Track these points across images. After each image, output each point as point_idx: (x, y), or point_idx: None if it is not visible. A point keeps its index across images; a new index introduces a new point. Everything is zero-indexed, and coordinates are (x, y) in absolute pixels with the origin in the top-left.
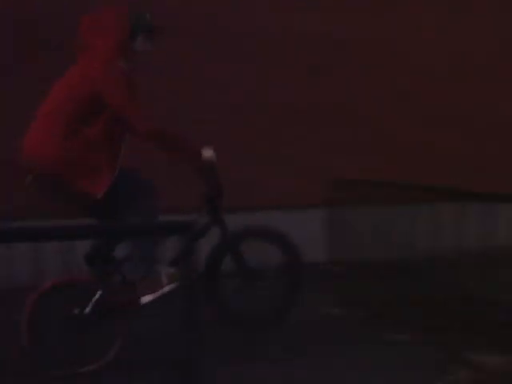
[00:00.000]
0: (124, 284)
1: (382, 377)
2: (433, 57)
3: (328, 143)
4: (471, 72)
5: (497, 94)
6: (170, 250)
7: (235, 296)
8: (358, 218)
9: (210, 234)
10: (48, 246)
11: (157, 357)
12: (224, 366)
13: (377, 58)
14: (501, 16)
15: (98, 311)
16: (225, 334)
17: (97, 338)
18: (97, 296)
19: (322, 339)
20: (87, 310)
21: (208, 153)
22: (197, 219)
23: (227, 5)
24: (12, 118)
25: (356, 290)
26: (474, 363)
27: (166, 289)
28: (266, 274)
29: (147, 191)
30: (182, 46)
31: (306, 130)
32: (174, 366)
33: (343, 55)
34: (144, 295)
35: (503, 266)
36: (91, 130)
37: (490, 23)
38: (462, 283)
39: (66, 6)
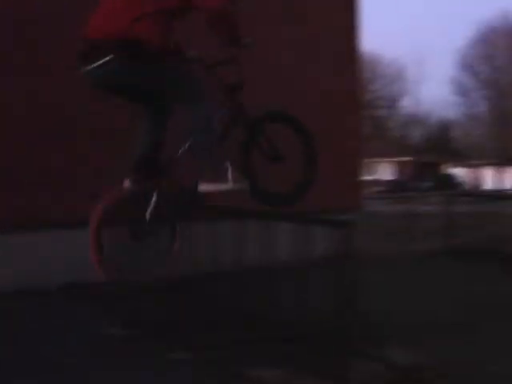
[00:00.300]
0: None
1: None
2: None
3: None
4: None
5: None
6: None
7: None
8: None
9: None
10: None
11: None
12: None
13: None
14: None
15: (155, 217)
16: None
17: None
18: (153, 202)
19: (101, 361)
20: (146, 216)
21: (248, 40)
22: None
23: None
24: None
25: (136, 310)
26: (254, 378)
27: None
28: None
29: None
30: None
31: None
32: None
33: None
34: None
35: (283, 281)
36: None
37: None
38: (243, 300)
39: None
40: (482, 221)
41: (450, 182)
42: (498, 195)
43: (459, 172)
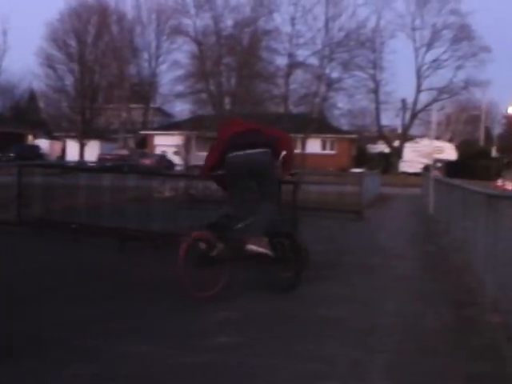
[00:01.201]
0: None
1: None
2: None
3: None
4: None
5: None
6: None
7: None
8: None
9: None
10: None
11: None
12: None
13: None
14: None
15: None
16: None
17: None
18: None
19: None
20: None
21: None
22: None
23: None
24: None
25: None
26: None
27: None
28: None
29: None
30: None
31: None
32: None
33: None
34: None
35: None
36: None
37: None
38: None
39: None
40: (57, 192)
41: (33, 153)
42: (78, 167)
43: (43, 143)
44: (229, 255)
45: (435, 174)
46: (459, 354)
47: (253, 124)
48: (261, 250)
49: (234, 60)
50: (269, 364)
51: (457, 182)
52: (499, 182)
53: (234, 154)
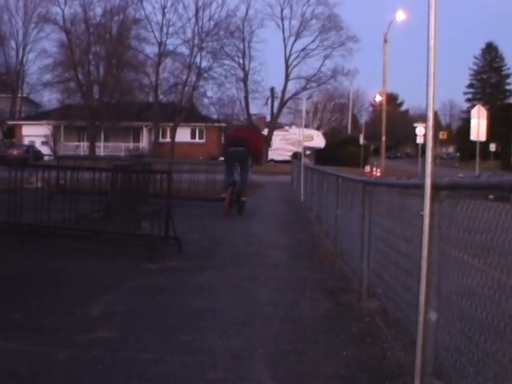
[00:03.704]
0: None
1: None
2: None
3: None
4: None
5: None
6: None
7: None
8: None
9: None
10: None
11: None
12: None
13: None
14: None
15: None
16: None
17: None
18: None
19: None
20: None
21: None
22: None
23: None
24: None
25: None
26: None
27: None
28: None
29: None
30: None
31: None
32: None
33: None
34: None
35: None
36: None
37: None
38: None
39: None
40: None
41: None
42: None
43: None
44: (236, 201)
45: (305, 161)
46: (339, 341)
47: (248, 131)
48: (244, 199)
49: (103, 49)
50: (144, 358)
51: (328, 169)
52: (367, 169)
53: (231, 149)
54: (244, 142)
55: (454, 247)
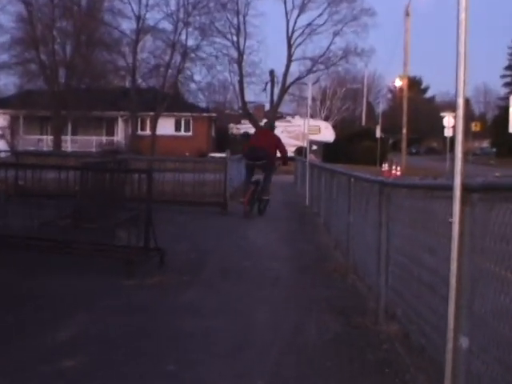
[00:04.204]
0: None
1: None
2: None
3: None
4: None
5: None
6: None
7: None
8: None
9: None
10: None
11: None
12: None
13: None
14: None
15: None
16: None
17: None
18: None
19: None
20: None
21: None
22: None
23: None
24: None
25: None
26: None
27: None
28: None
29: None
30: None
31: None
32: None
33: None
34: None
35: None
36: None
37: None
38: None
39: None
40: None
41: None
42: None
43: None
44: (258, 200)
45: (311, 158)
46: (352, 372)
47: (266, 137)
48: (266, 197)
49: (70, 23)
50: None
51: (339, 167)
52: (385, 167)
53: (250, 162)
54: (264, 152)
55: (490, 260)
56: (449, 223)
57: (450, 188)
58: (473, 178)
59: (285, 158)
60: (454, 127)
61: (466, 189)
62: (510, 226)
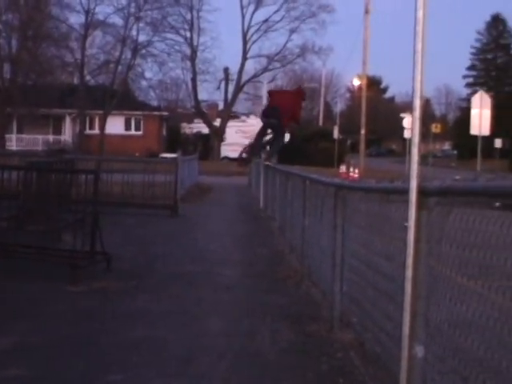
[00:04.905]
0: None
1: None
2: None
3: None
4: None
5: None
6: None
7: None
8: None
9: None
10: None
11: None
12: None
13: None
14: None
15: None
16: None
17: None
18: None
19: None
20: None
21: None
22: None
23: None
24: None
25: None
26: None
27: None
28: None
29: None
30: None
31: None
32: None
33: None
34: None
35: None
36: None
37: None
38: None
39: None
40: None
41: None
42: None
43: None
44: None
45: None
46: (305, 381)
47: (283, 96)
48: (269, 163)
49: (15, 17)
50: None
51: (294, 169)
52: (343, 169)
53: (264, 120)
54: (276, 111)
55: (446, 266)
56: (404, 228)
57: (405, 191)
58: (430, 181)
59: (296, 119)
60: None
61: (423, 192)
62: (468, 232)
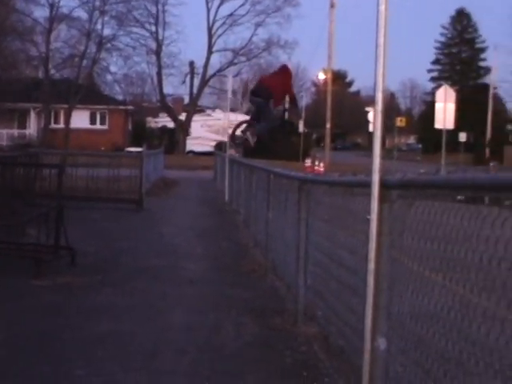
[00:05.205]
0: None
1: None
2: None
3: None
4: None
5: None
6: None
7: None
8: None
9: None
10: None
11: None
12: None
13: None
14: None
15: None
16: None
17: None
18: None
19: None
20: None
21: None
22: None
23: None
24: None
25: None
26: None
27: None
28: None
29: None
30: None
31: None
32: None
33: None
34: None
35: None
36: None
37: None
38: None
39: None
40: None
41: None
42: None
43: None
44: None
45: (231, 153)
46: (269, 375)
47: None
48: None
49: None
50: None
51: (259, 163)
52: (308, 163)
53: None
54: (266, 91)
55: (408, 259)
56: (367, 220)
57: (368, 185)
58: (393, 174)
59: (292, 102)
60: None
61: (385, 186)
62: (429, 224)
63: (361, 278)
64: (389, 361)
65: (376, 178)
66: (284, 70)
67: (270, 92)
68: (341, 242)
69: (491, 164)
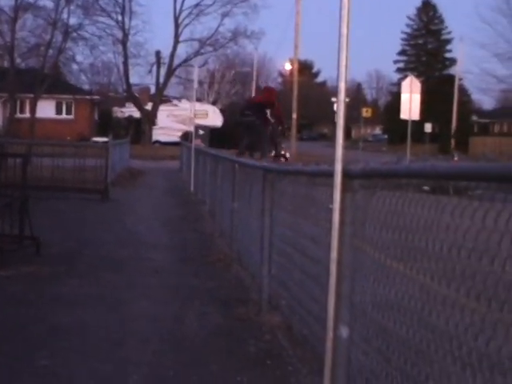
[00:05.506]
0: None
1: None
2: None
3: None
4: None
5: None
6: None
7: None
8: None
9: None
10: None
11: None
12: None
13: None
14: None
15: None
16: None
17: None
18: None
19: None
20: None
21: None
22: None
23: None
24: None
25: None
26: None
27: None
28: None
29: None
30: None
31: None
32: None
33: None
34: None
35: None
36: None
37: None
38: None
39: None
40: None
41: None
42: None
43: None
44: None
45: (197, 143)
46: (232, 364)
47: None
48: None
49: None
50: None
51: (225, 153)
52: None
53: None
54: (256, 106)
55: (370, 248)
56: (329, 210)
57: (331, 174)
58: (356, 164)
59: (280, 122)
60: None
61: (347, 175)
62: (390, 213)
63: (324, 267)
64: (351, 349)
65: (338, 168)
66: (269, 89)
67: (262, 104)
68: (304, 231)
69: (455, 158)
